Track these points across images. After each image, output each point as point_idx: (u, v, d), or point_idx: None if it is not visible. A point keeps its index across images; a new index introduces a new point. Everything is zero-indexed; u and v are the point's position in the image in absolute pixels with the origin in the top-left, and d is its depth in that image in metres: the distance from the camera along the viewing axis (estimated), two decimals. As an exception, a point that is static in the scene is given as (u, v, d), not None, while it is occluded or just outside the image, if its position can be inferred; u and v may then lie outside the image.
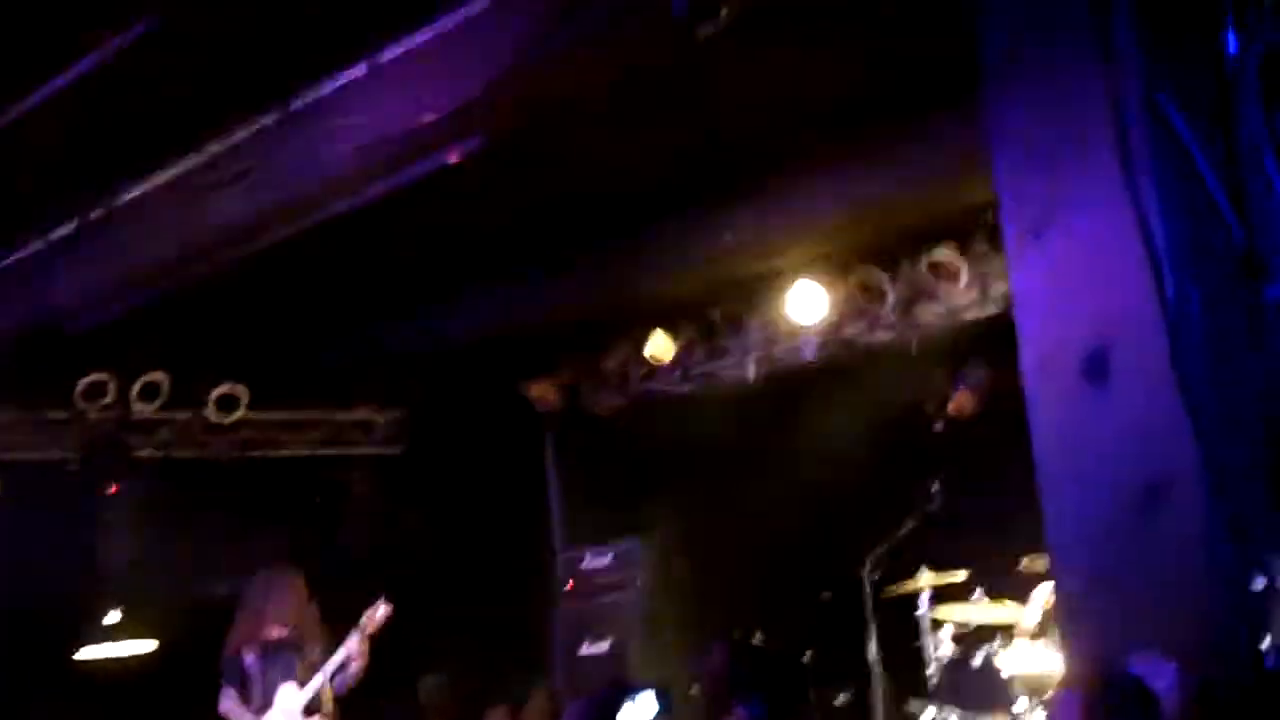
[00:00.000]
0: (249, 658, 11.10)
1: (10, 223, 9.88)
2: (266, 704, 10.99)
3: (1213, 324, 5.53)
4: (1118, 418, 5.60)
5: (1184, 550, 5.32)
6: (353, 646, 10.94)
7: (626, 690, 4.28)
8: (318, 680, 10.89)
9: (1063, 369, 5.84)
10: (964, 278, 11.74)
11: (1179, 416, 5.39)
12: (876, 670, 13.28)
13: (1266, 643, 5.30)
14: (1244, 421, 5.50)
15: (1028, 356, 6.05)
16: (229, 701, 11.05)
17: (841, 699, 14.32)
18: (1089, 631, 5.66)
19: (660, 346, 13.11)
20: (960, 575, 12.88)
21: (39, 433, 12.89)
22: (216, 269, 9.99)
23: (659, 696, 4.23)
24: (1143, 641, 5.35)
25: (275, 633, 11.06)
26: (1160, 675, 5.08)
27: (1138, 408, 5.55)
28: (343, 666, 10.93)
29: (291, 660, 10.98)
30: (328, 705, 10.97)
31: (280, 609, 11.05)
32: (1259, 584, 5.31)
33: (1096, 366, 5.72)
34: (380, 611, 11.06)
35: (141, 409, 12.83)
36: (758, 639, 13.18)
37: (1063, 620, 6.08)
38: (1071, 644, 5.97)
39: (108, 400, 12.63)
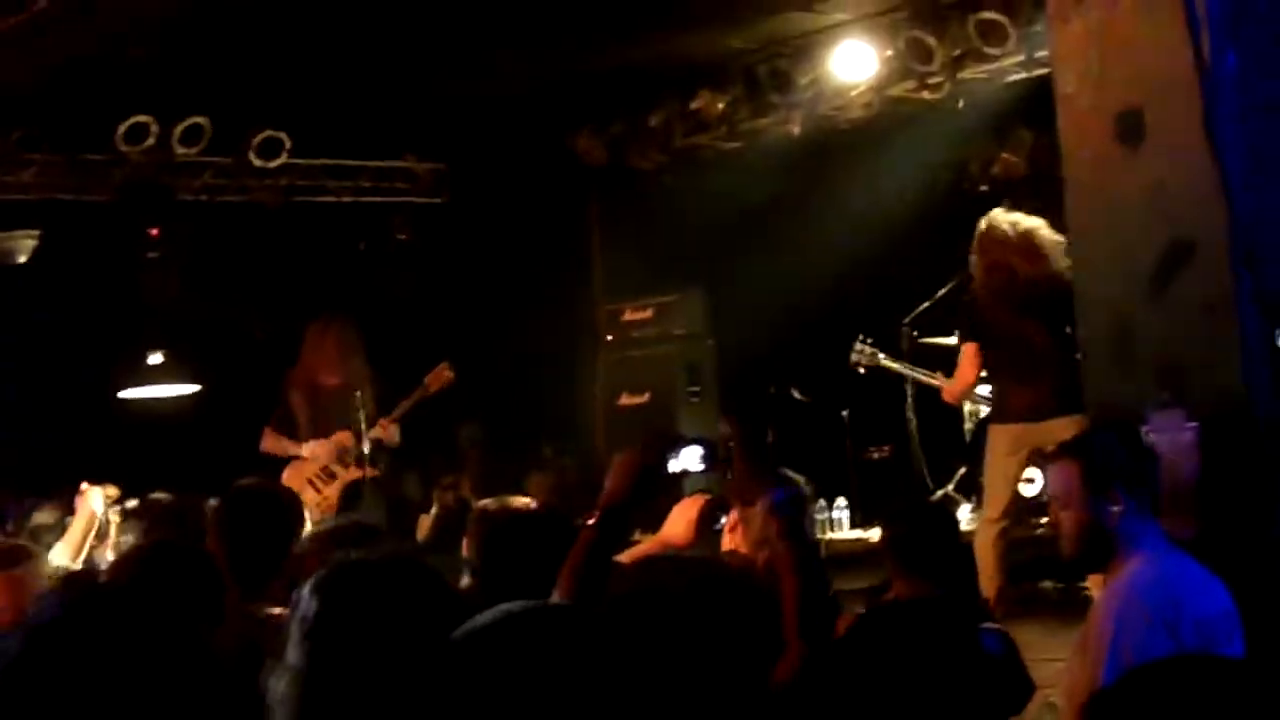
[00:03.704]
0: (301, 403, 11.18)
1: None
2: (318, 448, 11.15)
3: (1249, 89, 5.51)
4: (1149, 177, 5.61)
5: (1206, 308, 5.35)
6: (406, 408, 11.03)
7: (670, 441, 4.29)
8: (372, 430, 10.94)
9: (1098, 128, 5.84)
10: (1011, 39, 11.61)
11: (1210, 178, 5.39)
12: (913, 426, 13.42)
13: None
14: (1274, 186, 5.50)
15: (1065, 116, 6.06)
16: (270, 440, 11.13)
17: (877, 455, 14.49)
18: (1109, 382, 5.73)
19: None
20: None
21: (80, 174, 12.91)
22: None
23: (704, 449, 4.24)
24: (1162, 397, 5.40)
25: (326, 380, 11.12)
26: (1177, 432, 5.12)
27: (1169, 168, 5.56)
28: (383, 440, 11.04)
29: (343, 407, 11.03)
30: (376, 452, 11.09)
31: (332, 357, 11.08)
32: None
33: (1131, 127, 5.72)
34: (442, 376, 11.15)
35: (183, 152, 12.83)
36: (796, 395, 13.29)
37: (1084, 373, 6.12)
38: (1091, 395, 6.04)
39: (149, 143, 12.61)
